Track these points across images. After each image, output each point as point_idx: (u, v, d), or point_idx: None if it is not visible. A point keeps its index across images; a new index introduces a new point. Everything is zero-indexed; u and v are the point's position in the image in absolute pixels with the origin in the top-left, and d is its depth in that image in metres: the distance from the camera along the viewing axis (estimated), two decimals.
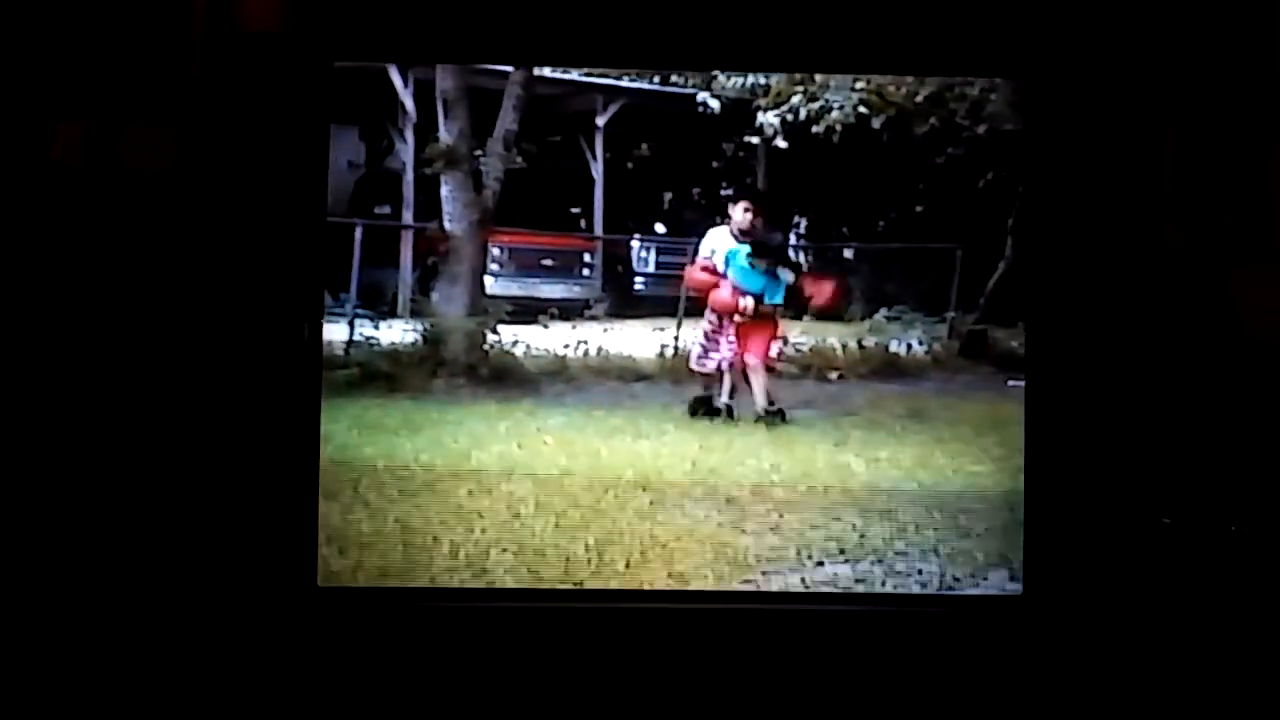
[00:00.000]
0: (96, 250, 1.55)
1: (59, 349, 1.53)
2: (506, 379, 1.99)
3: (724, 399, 1.96)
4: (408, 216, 2.03)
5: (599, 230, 2.20)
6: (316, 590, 1.52)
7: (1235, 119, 1.58)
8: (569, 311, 2.16)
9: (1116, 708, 1.48)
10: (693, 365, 1.99)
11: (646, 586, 1.58)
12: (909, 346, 2.11)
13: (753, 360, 1.98)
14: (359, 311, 1.92)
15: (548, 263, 2.22)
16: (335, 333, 1.88)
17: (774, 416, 1.92)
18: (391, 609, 1.54)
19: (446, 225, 2.00)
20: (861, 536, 1.61)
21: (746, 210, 1.98)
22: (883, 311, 2.04)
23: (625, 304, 2.17)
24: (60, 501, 1.50)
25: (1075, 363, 1.53)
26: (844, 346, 2.11)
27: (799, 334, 2.08)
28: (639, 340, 2.05)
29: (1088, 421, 1.52)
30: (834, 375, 2.08)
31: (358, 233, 1.94)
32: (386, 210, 2.08)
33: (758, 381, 1.97)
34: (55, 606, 1.49)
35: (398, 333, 1.96)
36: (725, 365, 1.99)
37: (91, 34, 1.55)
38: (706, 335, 2.00)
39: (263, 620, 1.49)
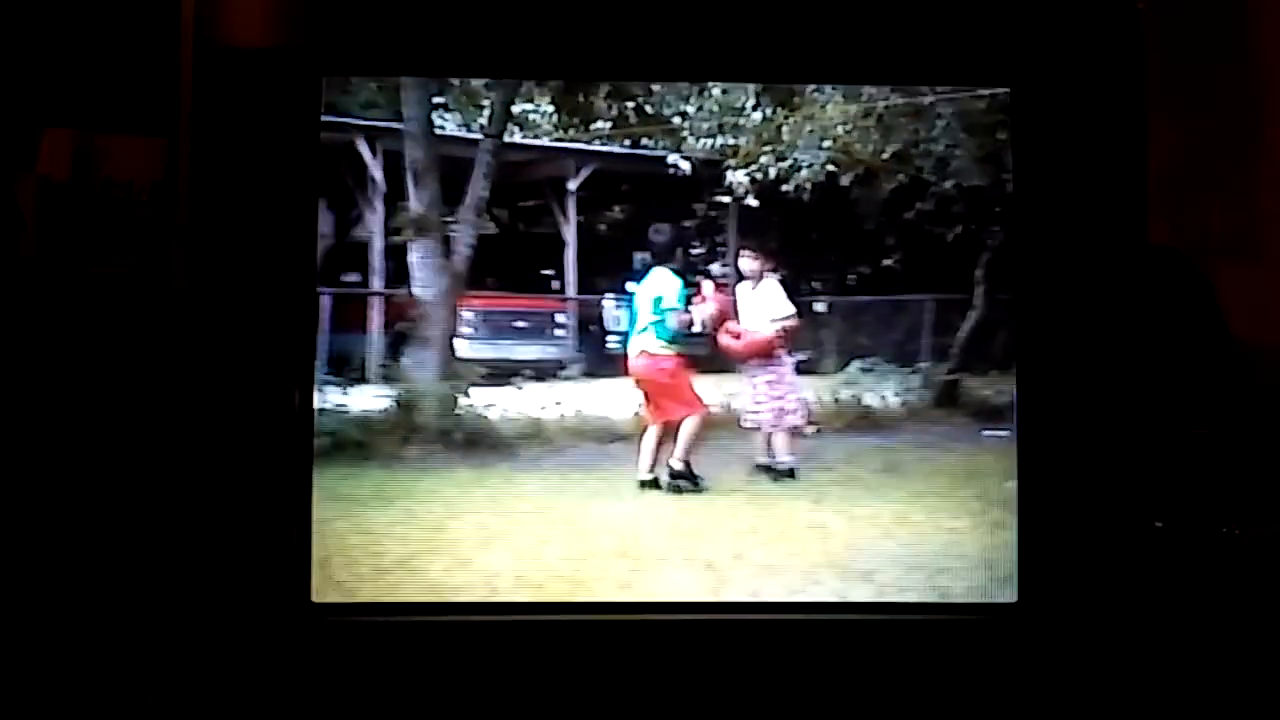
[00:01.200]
0: (86, 265, 1.53)
1: (51, 368, 1.51)
2: (481, 443, 1.97)
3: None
4: (377, 284, 2.02)
5: (571, 291, 2.20)
6: (310, 606, 1.50)
7: (1220, 118, 1.59)
8: (543, 372, 2.16)
9: (1113, 714, 1.46)
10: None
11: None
12: (883, 398, 2.11)
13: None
14: (328, 379, 1.89)
15: (520, 324, 2.21)
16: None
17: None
18: (387, 624, 1.52)
19: (417, 290, 2.00)
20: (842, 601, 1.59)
21: (755, 259, 2.05)
22: (856, 364, 2.05)
23: (600, 363, 2.16)
24: (52, 522, 1.48)
25: (1064, 365, 1.52)
26: (819, 400, 2.12)
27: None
28: (615, 399, 2.04)
29: (1078, 424, 1.51)
30: (810, 430, 2.08)
31: (325, 301, 1.92)
32: (355, 278, 2.07)
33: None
34: (48, 626, 1.46)
35: (368, 399, 1.93)
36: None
37: (76, 42, 1.55)
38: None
39: (257, 637, 1.46)
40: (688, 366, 2.04)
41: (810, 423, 2.05)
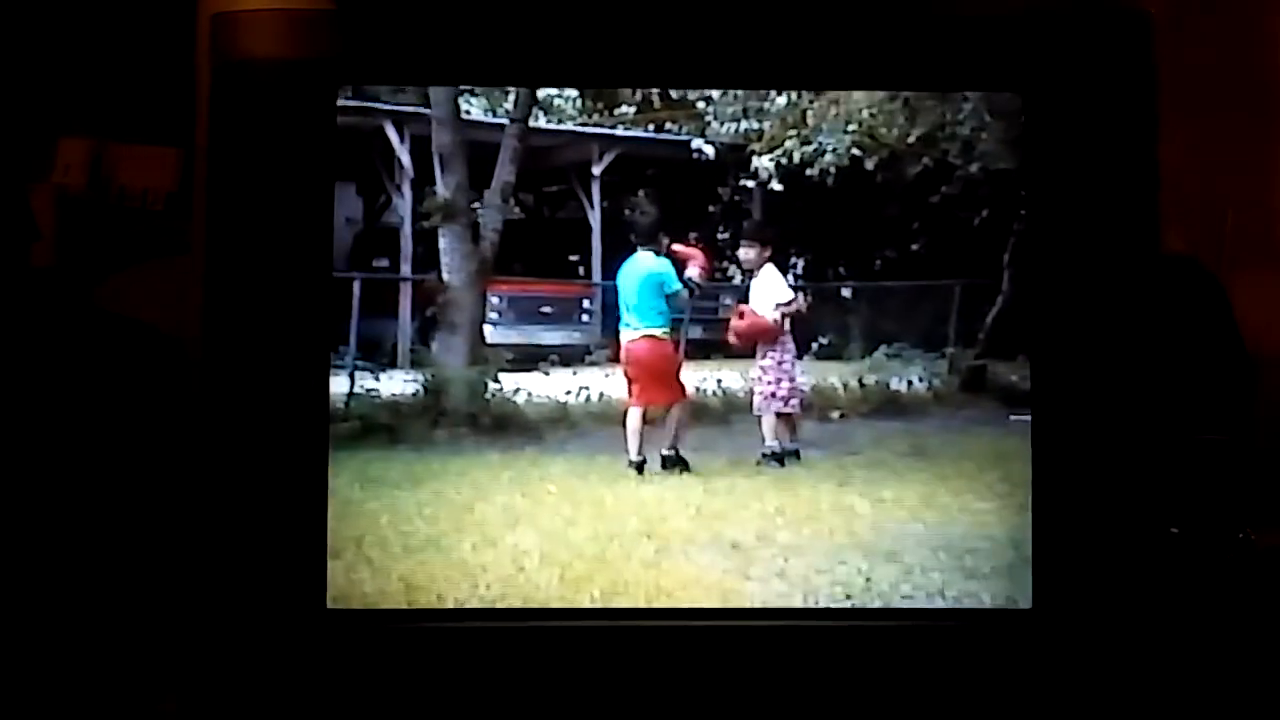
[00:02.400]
0: (100, 275, 1.54)
1: (64, 369, 1.51)
2: (509, 427, 1.99)
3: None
4: (406, 269, 2.05)
5: (597, 277, 2.22)
6: (326, 612, 1.50)
7: (1235, 123, 1.58)
8: (570, 358, 2.18)
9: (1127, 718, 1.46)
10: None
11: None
12: (910, 383, 2.11)
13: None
14: (359, 364, 1.93)
15: (547, 310, 2.23)
16: (335, 386, 1.88)
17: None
18: (403, 630, 1.52)
19: (445, 276, 2.02)
20: (868, 580, 1.60)
21: (750, 245, 2.04)
22: (882, 349, 2.05)
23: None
24: (66, 524, 1.48)
25: (1080, 372, 1.51)
26: (845, 385, 2.12)
27: (799, 374, 2.08)
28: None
29: (1094, 430, 1.50)
30: (836, 415, 2.08)
31: (356, 286, 1.95)
32: (385, 264, 2.10)
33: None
34: (58, 628, 1.47)
35: (398, 384, 1.96)
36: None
37: (93, 52, 1.56)
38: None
39: (272, 641, 1.47)
40: (677, 352, 2.05)
41: (834, 407, 2.06)
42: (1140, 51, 1.52)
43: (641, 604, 1.57)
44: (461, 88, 1.93)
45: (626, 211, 2.05)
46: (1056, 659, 1.48)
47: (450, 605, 1.56)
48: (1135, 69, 1.52)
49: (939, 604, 1.56)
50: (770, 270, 2.04)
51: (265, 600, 1.47)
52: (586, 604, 1.58)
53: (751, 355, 2.08)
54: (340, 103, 1.83)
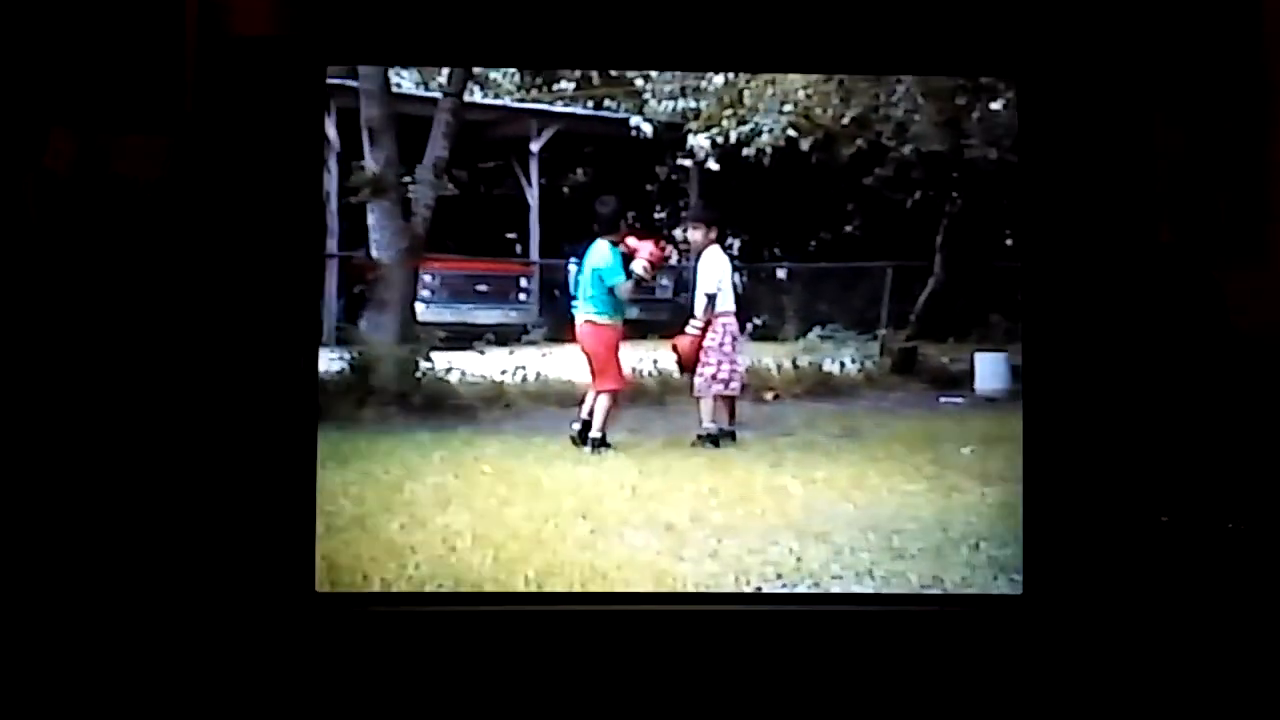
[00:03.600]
0: (90, 260, 1.50)
1: (54, 356, 1.48)
2: (441, 407, 1.96)
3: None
4: (332, 245, 1.99)
5: (535, 255, 2.18)
6: (314, 596, 1.49)
7: (1228, 118, 1.60)
8: (506, 337, 2.14)
9: (1117, 706, 1.48)
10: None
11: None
12: (842, 365, 2.13)
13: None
14: None
15: (482, 288, 2.19)
16: None
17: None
18: (391, 613, 1.51)
19: (374, 253, 1.97)
20: (798, 560, 1.61)
21: (696, 228, 2.02)
22: (816, 330, 2.06)
23: (563, 328, 2.16)
24: (53, 511, 1.45)
25: (1072, 362, 1.53)
26: (779, 366, 2.13)
27: (740, 356, 2.08)
28: (578, 364, 2.04)
29: (1085, 420, 1.52)
30: (770, 396, 2.09)
31: None
32: None
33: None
34: (53, 614, 1.44)
35: (323, 361, 1.91)
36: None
37: (82, 40, 1.51)
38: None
39: (261, 625, 1.45)
40: (621, 340, 2.04)
41: (768, 388, 2.07)
42: (1135, 38, 1.53)
43: (576, 587, 1.56)
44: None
45: (595, 204, 2.02)
46: (1047, 643, 1.50)
47: (375, 586, 1.53)
48: (1130, 56, 1.53)
49: (866, 584, 1.58)
50: (713, 253, 2.03)
51: (256, 584, 1.45)
52: (519, 584, 1.56)
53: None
54: None
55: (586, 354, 2.02)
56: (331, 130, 1.93)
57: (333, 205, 1.98)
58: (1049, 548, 1.52)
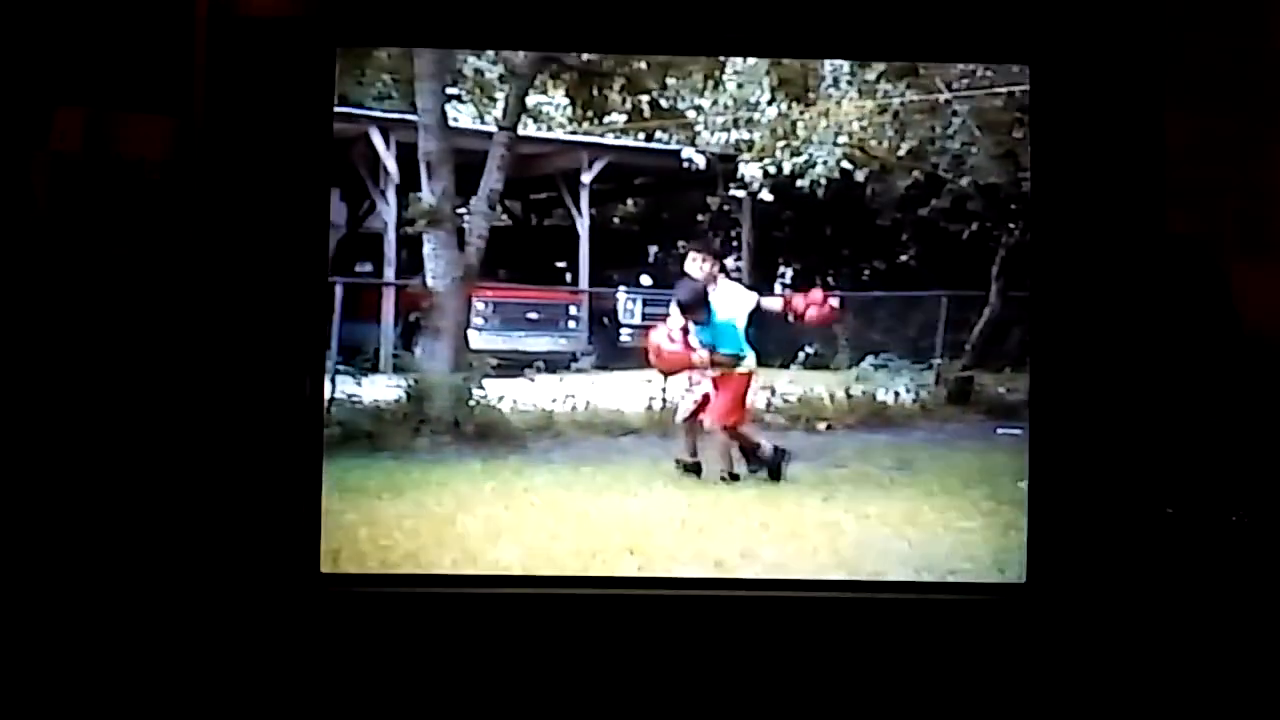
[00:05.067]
0: (96, 243, 1.51)
1: (64, 342, 1.48)
2: (491, 436, 1.97)
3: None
4: (390, 274, 2.03)
5: (584, 284, 2.20)
6: (320, 577, 1.50)
7: (1239, 111, 1.58)
8: (555, 364, 2.16)
9: (1120, 696, 1.46)
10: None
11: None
12: (896, 395, 2.10)
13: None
14: (340, 367, 1.90)
15: (533, 316, 2.21)
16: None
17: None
18: (396, 595, 1.52)
19: (430, 281, 2.00)
20: None
21: (704, 262, 1.96)
22: (869, 359, 2.04)
23: (612, 356, 2.16)
24: (62, 497, 1.46)
25: (1079, 352, 1.52)
26: (831, 396, 2.10)
27: (787, 384, 2.07)
28: (626, 392, 2.04)
29: (1091, 412, 1.50)
30: (823, 426, 2.06)
31: (338, 290, 1.93)
32: (368, 269, 2.08)
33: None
34: (64, 599, 1.45)
35: (380, 389, 1.94)
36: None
37: (89, 19, 1.51)
38: None
39: (268, 607, 1.46)
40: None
41: (821, 418, 2.04)
42: (1148, 28, 1.51)
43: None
44: (449, 94, 1.91)
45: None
46: (1049, 632, 1.48)
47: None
48: (1142, 44, 1.51)
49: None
50: (726, 283, 1.99)
51: (262, 565, 1.45)
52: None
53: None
54: None
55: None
56: (391, 163, 1.97)
57: (391, 235, 2.02)
58: (1053, 538, 1.50)
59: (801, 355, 2.05)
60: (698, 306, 1.95)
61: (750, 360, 1.96)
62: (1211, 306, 1.55)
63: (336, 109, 1.77)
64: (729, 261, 2.08)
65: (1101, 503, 1.49)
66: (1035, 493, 1.51)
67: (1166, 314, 1.52)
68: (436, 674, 1.49)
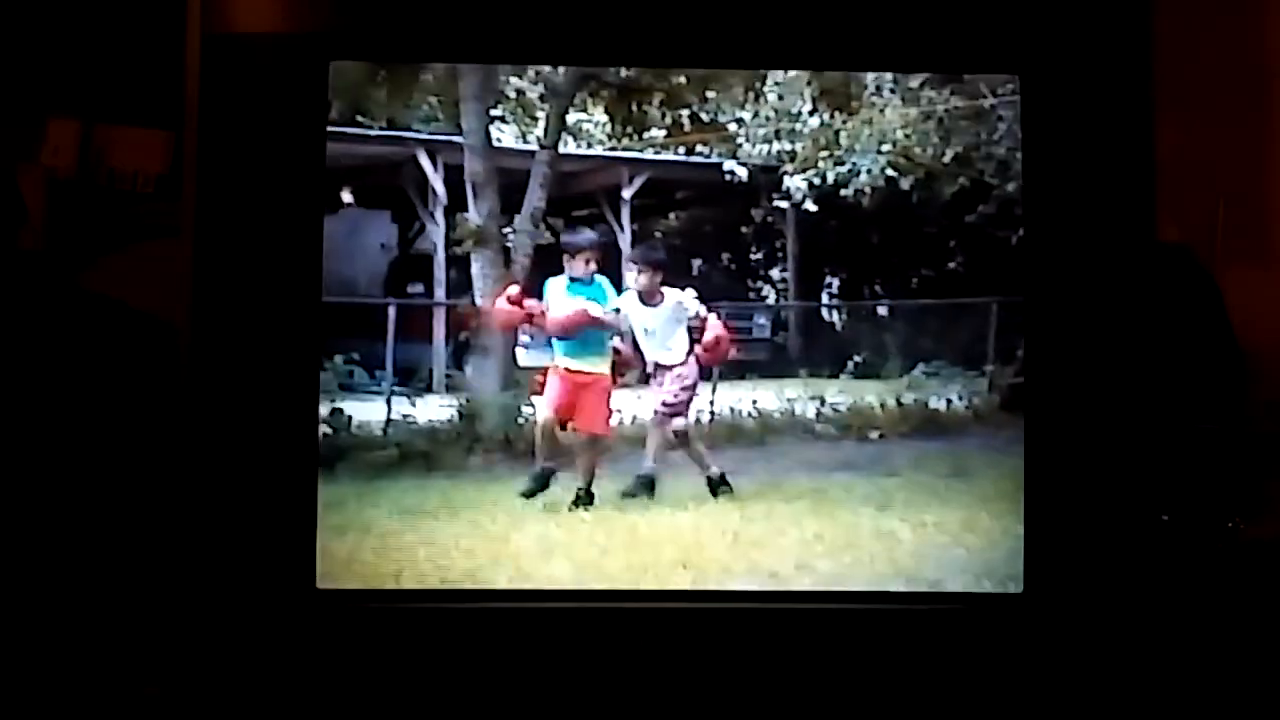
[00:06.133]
0: (89, 256, 1.53)
1: (56, 356, 1.48)
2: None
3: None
4: (440, 294, 2.06)
5: None
6: (315, 592, 1.51)
7: (1230, 118, 1.58)
8: None
9: (1118, 705, 1.45)
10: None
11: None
12: (949, 402, 2.07)
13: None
14: (396, 389, 1.94)
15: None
16: (373, 412, 1.90)
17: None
18: (392, 611, 1.53)
19: (478, 300, 2.03)
20: None
21: (641, 272, 1.98)
22: (920, 367, 2.01)
23: None
24: (58, 509, 1.47)
25: (1073, 359, 1.52)
26: (882, 405, 2.09)
27: (836, 393, 2.05)
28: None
29: (1086, 418, 1.51)
30: (874, 435, 2.05)
31: (391, 312, 1.97)
32: (419, 289, 2.11)
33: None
34: (49, 613, 1.45)
35: (434, 409, 1.97)
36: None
37: (82, 33, 1.52)
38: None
39: (262, 622, 1.47)
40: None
41: (873, 427, 2.02)
42: (1138, 34, 1.51)
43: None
44: (492, 115, 1.94)
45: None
46: (1047, 642, 1.47)
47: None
48: (1133, 51, 1.51)
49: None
50: (676, 293, 1.99)
51: (257, 580, 1.47)
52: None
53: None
54: (374, 132, 1.86)
55: None
56: (439, 185, 2.01)
57: (440, 256, 2.05)
58: (1049, 546, 1.50)
59: (850, 364, 2.04)
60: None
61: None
62: (1204, 314, 1.57)
63: (386, 132, 1.81)
64: (775, 273, 2.08)
65: (1098, 510, 1.48)
66: (1031, 501, 1.52)
67: (1159, 322, 1.51)
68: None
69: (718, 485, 1.87)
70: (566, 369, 1.98)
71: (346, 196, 1.96)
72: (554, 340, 1.98)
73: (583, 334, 2.00)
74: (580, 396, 1.98)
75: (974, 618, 1.52)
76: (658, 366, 2.05)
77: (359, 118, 1.85)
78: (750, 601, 1.57)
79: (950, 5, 1.54)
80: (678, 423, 1.98)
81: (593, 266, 1.99)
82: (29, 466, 1.45)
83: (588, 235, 2.02)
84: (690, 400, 2.02)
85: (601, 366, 2.01)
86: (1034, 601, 1.50)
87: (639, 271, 2.00)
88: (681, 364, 2.03)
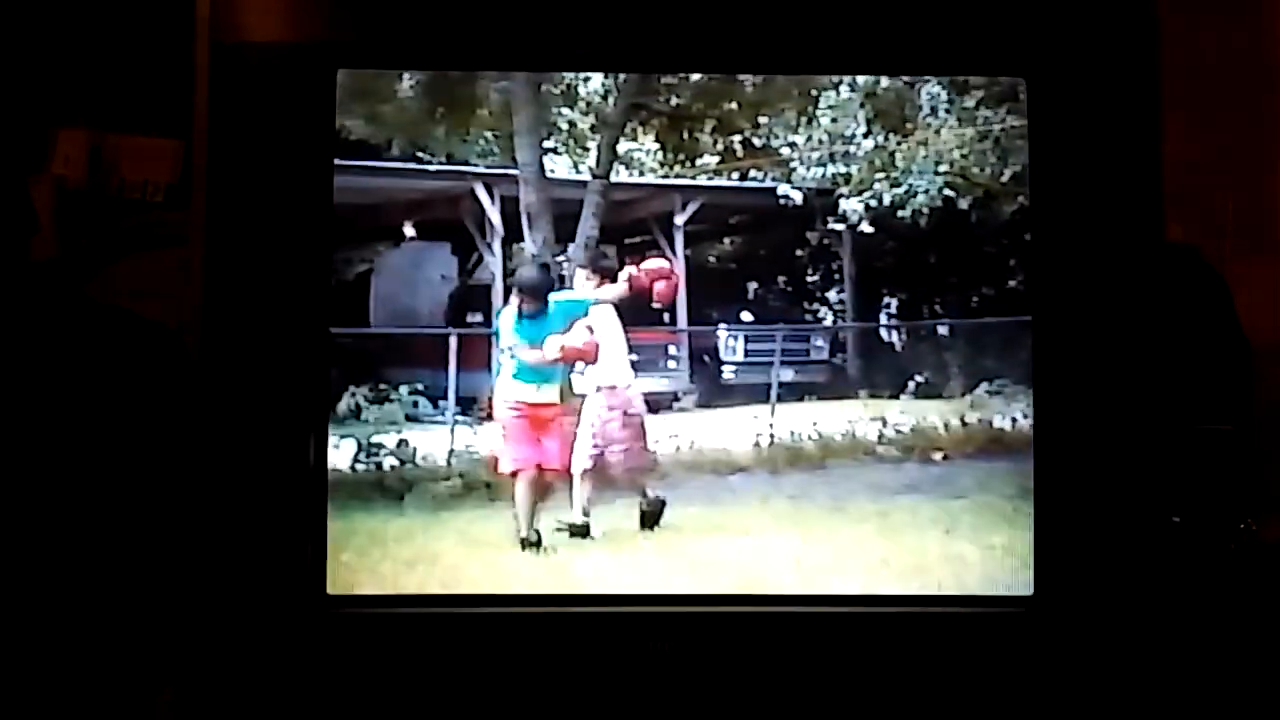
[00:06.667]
0: (99, 266, 1.53)
1: (65, 366, 1.47)
2: (600, 479, 1.99)
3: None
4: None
5: (683, 323, 2.21)
6: (326, 598, 1.52)
7: (1237, 118, 1.58)
8: (657, 405, 2.17)
9: (1128, 707, 1.43)
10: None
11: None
12: (1014, 420, 2.04)
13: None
14: (459, 418, 1.96)
15: (632, 357, 2.24)
16: (437, 442, 1.92)
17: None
18: (402, 616, 1.54)
19: None
20: None
21: (589, 279, 1.94)
22: (983, 386, 1.98)
23: (716, 394, 2.16)
24: (65, 517, 1.45)
25: (1082, 362, 1.51)
26: (946, 425, 2.06)
27: (898, 414, 2.02)
28: (733, 430, 2.03)
29: (1095, 418, 1.50)
30: (938, 456, 2.02)
31: (453, 342, 1.99)
32: (479, 319, 2.14)
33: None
34: (59, 621, 1.44)
35: (496, 439, 1.98)
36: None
37: (91, 42, 1.53)
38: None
39: (273, 627, 1.48)
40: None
41: (936, 448, 1.99)
42: (1145, 36, 1.50)
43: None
44: (545, 146, 1.97)
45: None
46: (1057, 644, 1.46)
47: None
48: (1140, 53, 1.50)
49: None
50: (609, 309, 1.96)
51: (268, 586, 1.48)
52: None
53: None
54: (433, 167, 1.90)
55: None
56: (496, 216, 2.04)
57: (499, 286, 2.08)
58: (1059, 548, 1.49)
59: (911, 385, 2.01)
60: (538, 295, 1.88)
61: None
62: (1212, 314, 1.56)
63: (445, 167, 1.85)
64: (832, 294, 2.07)
65: (1107, 512, 1.48)
66: (1041, 504, 1.51)
67: (1167, 322, 1.50)
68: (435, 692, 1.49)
69: (653, 515, 1.83)
70: (527, 402, 1.91)
71: (409, 230, 2.01)
72: (520, 372, 1.91)
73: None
74: (545, 431, 1.91)
75: (983, 619, 1.52)
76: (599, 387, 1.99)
77: (419, 154, 1.89)
78: (751, 605, 1.57)
79: (957, 8, 1.54)
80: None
81: None
82: (40, 474, 1.45)
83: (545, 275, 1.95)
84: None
85: (555, 395, 1.95)
86: (1044, 603, 1.49)
87: (587, 279, 1.95)
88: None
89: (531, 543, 1.74)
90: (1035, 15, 1.53)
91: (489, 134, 1.95)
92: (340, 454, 1.80)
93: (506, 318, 1.93)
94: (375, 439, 1.78)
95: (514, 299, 1.92)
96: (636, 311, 2.26)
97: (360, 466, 1.81)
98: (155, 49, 1.55)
